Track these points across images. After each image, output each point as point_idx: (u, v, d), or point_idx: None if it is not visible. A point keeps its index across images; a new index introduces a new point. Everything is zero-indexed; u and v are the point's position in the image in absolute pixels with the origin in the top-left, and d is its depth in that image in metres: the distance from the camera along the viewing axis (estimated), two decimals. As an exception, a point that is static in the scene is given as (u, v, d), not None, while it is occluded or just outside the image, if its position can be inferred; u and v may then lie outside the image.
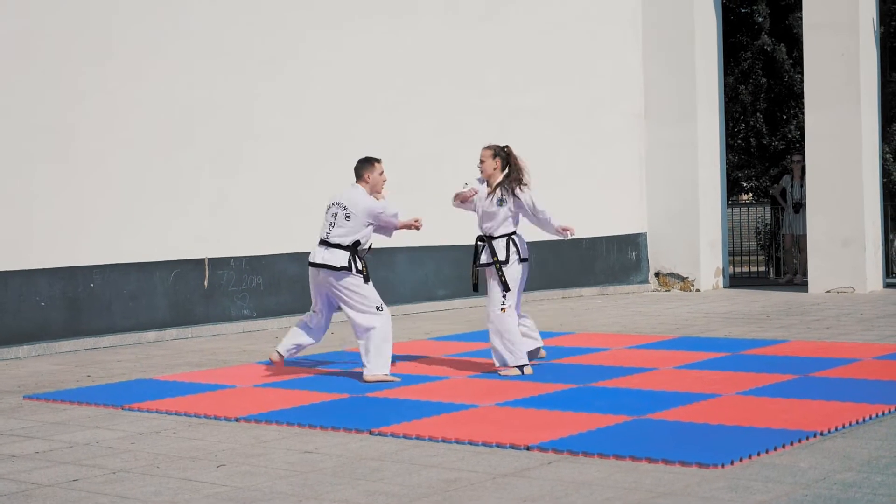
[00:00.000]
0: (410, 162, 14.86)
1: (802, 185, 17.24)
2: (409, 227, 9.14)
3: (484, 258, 9.06)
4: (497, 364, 9.01)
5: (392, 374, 8.90)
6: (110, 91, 12.19)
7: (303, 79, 13.83)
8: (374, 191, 8.95)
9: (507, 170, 9.05)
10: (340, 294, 8.87)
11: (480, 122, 15.77)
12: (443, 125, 15.32)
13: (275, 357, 9.29)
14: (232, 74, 13.20)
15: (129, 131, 12.34)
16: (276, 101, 13.57)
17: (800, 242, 17.58)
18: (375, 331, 8.81)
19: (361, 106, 14.41)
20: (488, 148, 9.14)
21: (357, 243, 8.86)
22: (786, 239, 17.84)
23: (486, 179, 9.12)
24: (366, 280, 8.87)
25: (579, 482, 5.52)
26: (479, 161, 9.13)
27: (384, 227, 9.08)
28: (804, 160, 17.82)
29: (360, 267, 8.84)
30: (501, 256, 8.96)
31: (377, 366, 8.79)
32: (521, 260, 9.05)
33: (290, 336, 9.30)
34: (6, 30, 11.43)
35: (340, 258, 8.79)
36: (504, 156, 9.07)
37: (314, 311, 9.20)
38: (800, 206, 17.32)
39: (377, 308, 8.85)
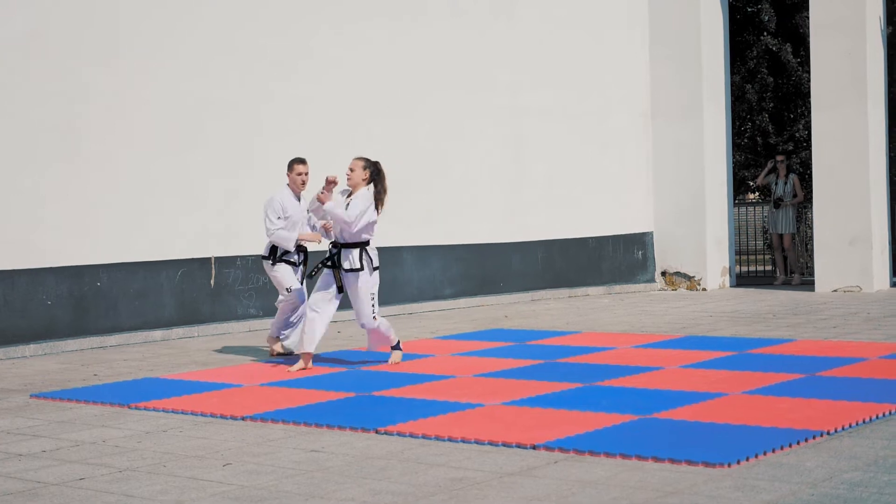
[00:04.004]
0: (419, 162, 14.89)
1: (786, 184, 17.38)
2: (312, 239, 10.22)
3: (346, 265, 9.42)
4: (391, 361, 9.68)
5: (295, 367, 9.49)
6: (117, 91, 12.21)
7: (312, 79, 13.84)
8: (294, 188, 10.11)
9: (375, 184, 9.43)
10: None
11: (488, 122, 15.78)
12: (451, 126, 15.33)
13: (278, 349, 10.32)
14: (241, 74, 13.21)
15: (136, 131, 12.36)
16: (285, 101, 13.58)
17: (784, 241, 17.61)
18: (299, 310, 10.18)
19: (370, 106, 14.42)
20: (360, 159, 9.50)
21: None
22: (773, 238, 17.92)
23: (350, 189, 9.50)
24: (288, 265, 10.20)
25: (585, 481, 5.51)
26: (348, 169, 9.51)
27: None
28: (788, 160, 18.13)
29: (277, 255, 10.11)
30: (356, 265, 9.38)
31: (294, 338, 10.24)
32: (374, 269, 9.53)
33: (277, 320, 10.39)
34: (16, 29, 11.45)
35: (267, 248, 10.20)
36: (374, 171, 9.43)
37: None
38: (780, 202, 17.44)
39: (287, 290, 10.09)
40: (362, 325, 9.54)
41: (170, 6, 12.63)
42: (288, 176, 10.16)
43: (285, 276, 10.10)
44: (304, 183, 10.09)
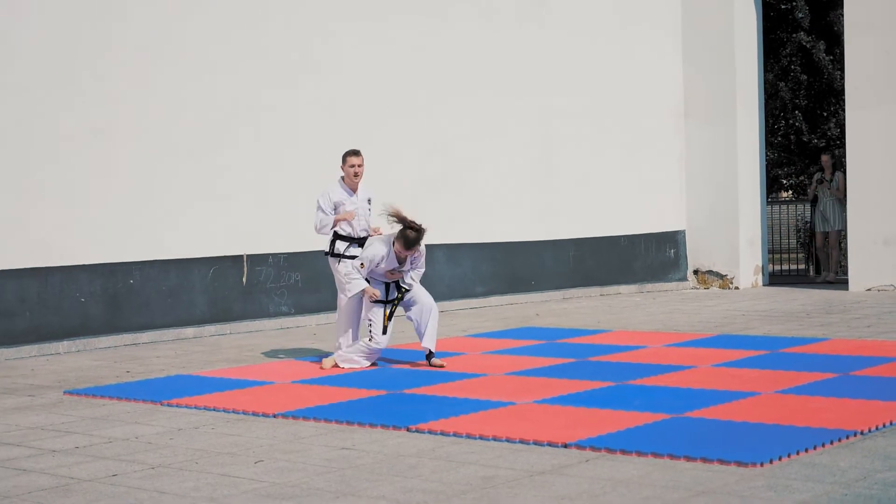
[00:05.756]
0: (449, 163, 14.89)
1: (832, 181, 17.20)
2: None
3: (409, 279, 9.52)
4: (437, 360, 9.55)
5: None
6: (151, 91, 12.27)
7: (343, 79, 13.86)
8: (349, 181, 9.73)
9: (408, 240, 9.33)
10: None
11: (519, 123, 15.76)
12: (482, 126, 15.32)
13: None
14: (271, 75, 13.26)
15: (169, 130, 12.42)
16: (315, 101, 13.61)
17: (830, 238, 17.43)
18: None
19: (401, 106, 14.43)
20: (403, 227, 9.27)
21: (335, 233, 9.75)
22: (817, 237, 17.71)
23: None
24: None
25: (617, 480, 5.49)
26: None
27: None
28: (834, 157, 17.83)
29: (332, 251, 9.70)
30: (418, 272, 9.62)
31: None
32: None
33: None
34: (51, 31, 11.53)
35: (329, 243, 9.75)
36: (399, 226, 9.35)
37: None
38: (823, 180, 17.26)
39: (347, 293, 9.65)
40: (427, 305, 9.44)
41: (203, 12, 12.68)
42: (342, 168, 9.80)
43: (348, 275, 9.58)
44: (356, 175, 9.69)
